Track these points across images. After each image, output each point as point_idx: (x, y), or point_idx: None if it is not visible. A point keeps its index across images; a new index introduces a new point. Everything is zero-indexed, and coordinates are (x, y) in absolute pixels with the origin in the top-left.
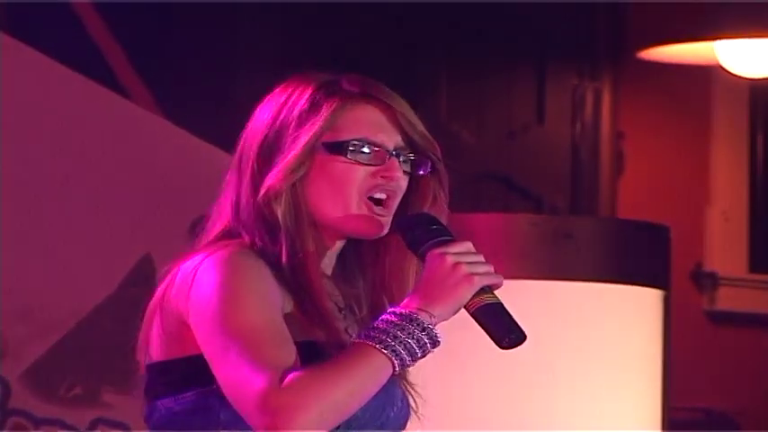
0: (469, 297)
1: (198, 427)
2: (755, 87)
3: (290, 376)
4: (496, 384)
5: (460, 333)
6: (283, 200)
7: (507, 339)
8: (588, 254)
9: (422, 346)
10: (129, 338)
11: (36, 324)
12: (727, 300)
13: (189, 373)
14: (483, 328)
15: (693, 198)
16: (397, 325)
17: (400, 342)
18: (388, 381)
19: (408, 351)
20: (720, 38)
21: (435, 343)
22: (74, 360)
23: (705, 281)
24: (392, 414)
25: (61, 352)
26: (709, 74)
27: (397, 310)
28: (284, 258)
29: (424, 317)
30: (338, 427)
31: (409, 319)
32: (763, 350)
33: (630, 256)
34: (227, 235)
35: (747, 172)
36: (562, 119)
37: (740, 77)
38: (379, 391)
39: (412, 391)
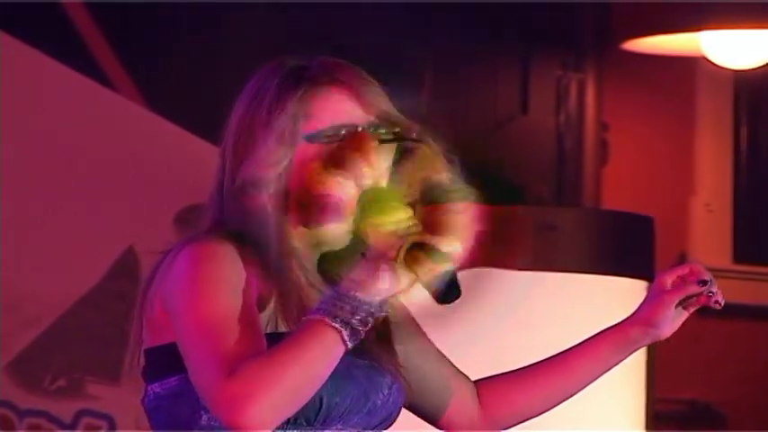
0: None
1: (181, 411)
2: (739, 78)
3: (239, 366)
4: (480, 374)
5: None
6: (264, 190)
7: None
8: (572, 244)
9: (372, 310)
10: (112, 330)
11: (20, 316)
12: None
13: (172, 359)
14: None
15: (677, 189)
16: (340, 297)
17: (348, 311)
18: (372, 368)
19: (359, 318)
20: (704, 29)
21: (381, 308)
22: (58, 352)
23: None
24: (379, 401)
25: (45, 344)
26: (694, 65)
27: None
28: (264, 249)
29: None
30: (317, 416)
31: (346, 296)
32: (748, 341)
33: (615, 246)
34: (216, 225)
35: (731, 163)
36: (546, 110)
37: (724, 68)
38: (360, 378)
39: (402, 376)
